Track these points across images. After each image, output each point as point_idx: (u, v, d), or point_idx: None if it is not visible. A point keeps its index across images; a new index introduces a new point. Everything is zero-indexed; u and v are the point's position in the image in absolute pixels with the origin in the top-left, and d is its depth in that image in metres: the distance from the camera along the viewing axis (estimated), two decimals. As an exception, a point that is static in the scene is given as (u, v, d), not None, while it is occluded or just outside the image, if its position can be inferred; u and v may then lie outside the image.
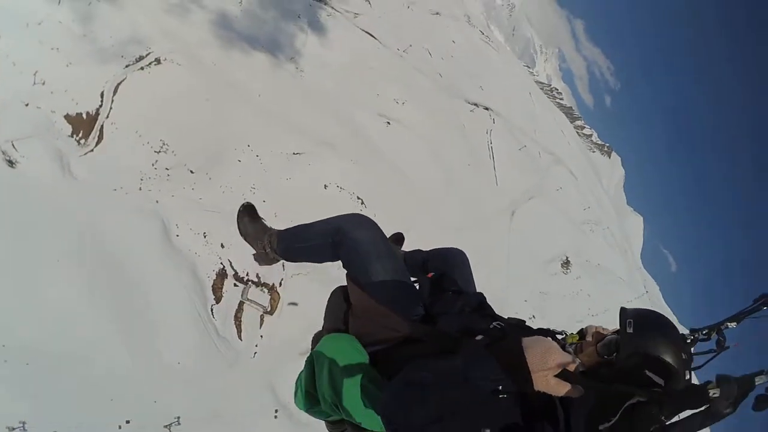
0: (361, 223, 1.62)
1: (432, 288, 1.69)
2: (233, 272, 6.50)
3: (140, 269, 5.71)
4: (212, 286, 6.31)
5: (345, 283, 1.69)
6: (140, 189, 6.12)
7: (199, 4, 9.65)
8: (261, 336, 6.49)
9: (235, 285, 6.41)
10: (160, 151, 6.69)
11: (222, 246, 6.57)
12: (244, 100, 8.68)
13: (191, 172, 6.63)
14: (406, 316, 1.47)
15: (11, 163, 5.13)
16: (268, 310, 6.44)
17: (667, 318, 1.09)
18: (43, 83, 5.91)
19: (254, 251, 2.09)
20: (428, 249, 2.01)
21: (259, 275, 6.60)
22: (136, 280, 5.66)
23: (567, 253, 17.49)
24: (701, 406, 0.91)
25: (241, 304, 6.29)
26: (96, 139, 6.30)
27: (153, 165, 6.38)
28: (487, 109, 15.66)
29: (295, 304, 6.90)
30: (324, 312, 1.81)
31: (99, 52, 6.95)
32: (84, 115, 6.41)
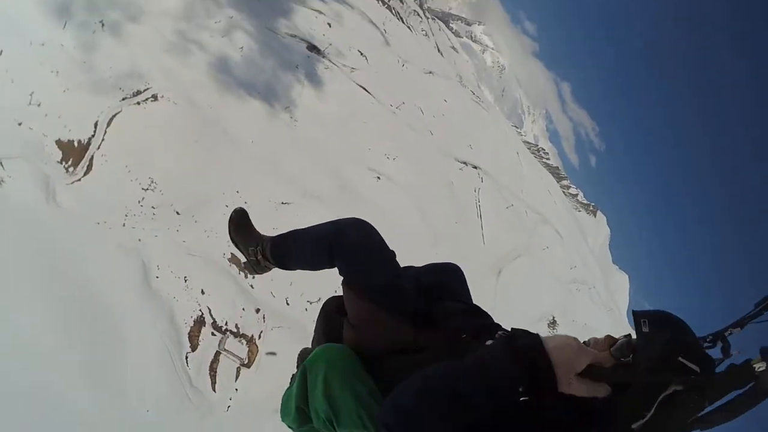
0: (360, 227, 1.56)
1: (430, 298, 1.61)
2: (212, 320, 6.34)
3: (115, 308, 5.57)
4: (189, 333, 6.14)
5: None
6: (124, 225, 6.10)
7: (201, 47, 10.06)
8: (236, 389, 6.25)
9: (212, 334, 6.24)
10: (147, 189, 6.69)
11: (202, 292, 6.45)
12: (236, 145, 8.83)
13: (177, 213, 6.62)
14: (408, 323, 1.40)
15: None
16: (245, 362, 6.27)
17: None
18: (39, 105, 5.99)
19: (244, 259, 1.99)
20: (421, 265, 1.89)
21: (238, 326, 6.45)
22: (109, 319, 5.50)
23: (553, 313, 17.38)
24: (746, 385, 0.86)
25: (217, 354, 6.12)
26: (85, 168, 6.32)
27: (139, 202, 6.35)
28: (475, 167, 16.15)
29: (273, 353, 6.73)
30: (315, 327, 1.75)
31: (97, 81, 7.13)
32: (75, 143, 6.47)
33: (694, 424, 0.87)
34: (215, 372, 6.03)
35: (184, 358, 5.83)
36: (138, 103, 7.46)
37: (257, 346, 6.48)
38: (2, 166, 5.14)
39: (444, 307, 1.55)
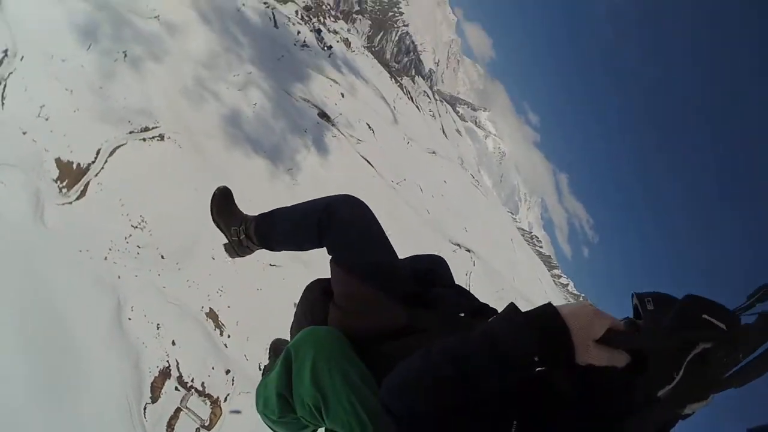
0: (353, 203, 1.51)
1: (422, 282, 1.55)
2: (178, 374, 6.06)
3: (81, 340, 5.37)
4: (152, 383, 5.85)
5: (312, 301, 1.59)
6: (106, 258, 5.93)
7: (216, 96, 10.52)
8: (191, 451, 5.86)
9: (176, 389, 5.93)
10: (136, 227, 6.69)
11: (173, 343, 6.22)
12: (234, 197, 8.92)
13: (162, 257, 6.58)
14: (402, 303, 1.34)
15: None
16: (206, 424, 5.94)
17: None
18: (46, 119, 6.21)
19: (225, 241, 1.92)
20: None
21: (205, 384, 6.15)
22: (73, 351, 5.29)
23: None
24: None
25: (178, 410, 5.80)
26: (78, 193, 6.26)
27: (126, 238, 6.35)
28: (469, 251, 16.38)
29: (238, 411, 6.41)
30: (295, 312, 1.67)
31: (108, 109, 7.43)
32: (74, 166, 6.50)
33: (729, 380, 0.84)
34: (172, 429, 5.68)
35: (143, 408, 5.54)
36: (144, 140, 7.73)
37: (221, 409, 6.17)
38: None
39: (437, 290, 1.50)
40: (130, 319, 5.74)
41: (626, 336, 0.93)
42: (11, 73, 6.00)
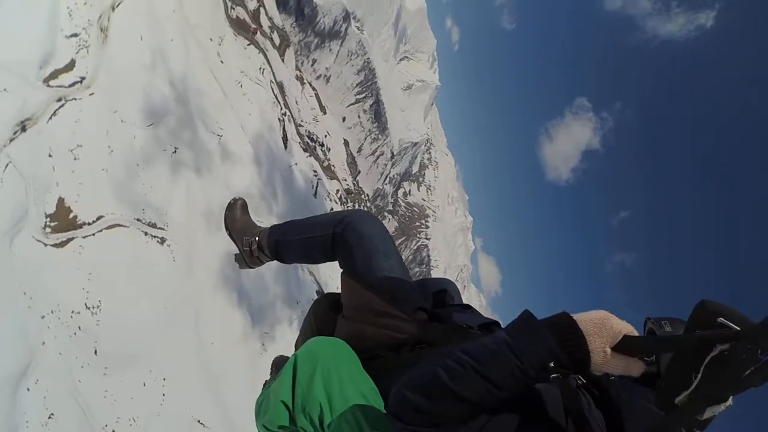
0: (367, 218, 1.56)
1: (434, 300, 1.59)
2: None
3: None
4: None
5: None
6: (43, 317, 5.23)
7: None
8: None
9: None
10: (89, 308, 5.99)
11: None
12: (196, 336, 8.33)
13: (95, 352, 5.79)
14: (413, 316, 1.36)
15: None
16: None
17: None
18: (75, 158, 6.05)
19: (237, 251, 1.94)
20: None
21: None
22: None
23: None
24: None
25: None
26: (58, 241, 5.83)
27: (73, 312, 5.64)
28: None
29: None
30: (302, 326, 1.74)
31: (131, 188, 7.27)
32: (71, 215, 6.16)
33: (749, 379, 0.80)
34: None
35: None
36: (145, 233, 7.38)
37: None
38: (11, 165, 4.63)
39: (448, 307, 1.53)
40: (28, 389, 4.69)
41: (643, 341, 0.95)
42: (75, 99, 6.04)
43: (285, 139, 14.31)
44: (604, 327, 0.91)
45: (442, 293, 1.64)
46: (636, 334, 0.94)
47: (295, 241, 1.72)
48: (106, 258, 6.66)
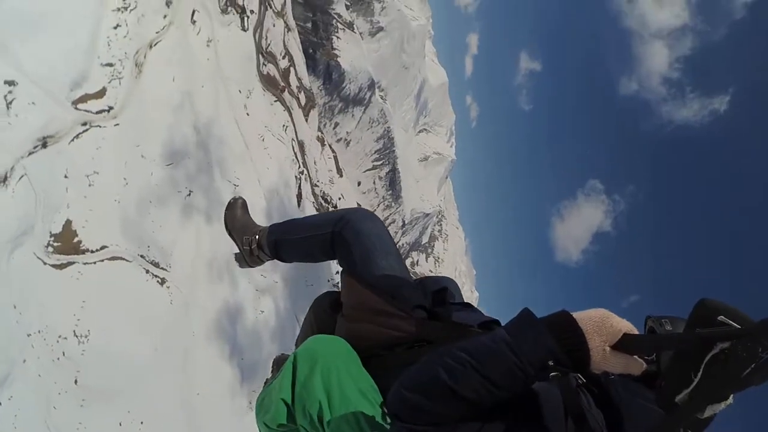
0: (366, 216, 1.58)
1: (433, 298, 1.57)
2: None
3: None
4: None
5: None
6: (29, 335, 5.09)
7: (234, 283, 10.29)
8: None
9: None
10: (77, 336, 5.93)
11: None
12: (182, 384, 8.22)
13: (75, 381, 5.59)
14: (413, 315, 1.37)
15: (2, 180, 4.80)
16: None
17: None
18: (90, 185, 6.28)
19: (236, 250, 1.96)
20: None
21: None
22: None
23: None
24: None
25: None
26: (58, 263, 5.75)
27: (59, 337, 5.55)
28: None
29: None
30: (302, 324, 1.86)
31: (140, 225, 7.35)
32: (75, 239, 6.08)
33: (749, 378, 0.81)
34: None
35: None
36: (147, 271, 7.30)
37: None
38: (16, 175, 4.65)
39: (448, 305, 1.53)
40: (0, 404, 4.52)
41: (643, 340, 0.96)
42: (100, 126, 6.14)
43: (299, 197, 14.42)
44: (603, 325, 0.91)
45: (442, 291, 1.62)
46: (636, 332, 0.94)
47: (294, 240, 1.72)
48: (103, 289, 6.52)
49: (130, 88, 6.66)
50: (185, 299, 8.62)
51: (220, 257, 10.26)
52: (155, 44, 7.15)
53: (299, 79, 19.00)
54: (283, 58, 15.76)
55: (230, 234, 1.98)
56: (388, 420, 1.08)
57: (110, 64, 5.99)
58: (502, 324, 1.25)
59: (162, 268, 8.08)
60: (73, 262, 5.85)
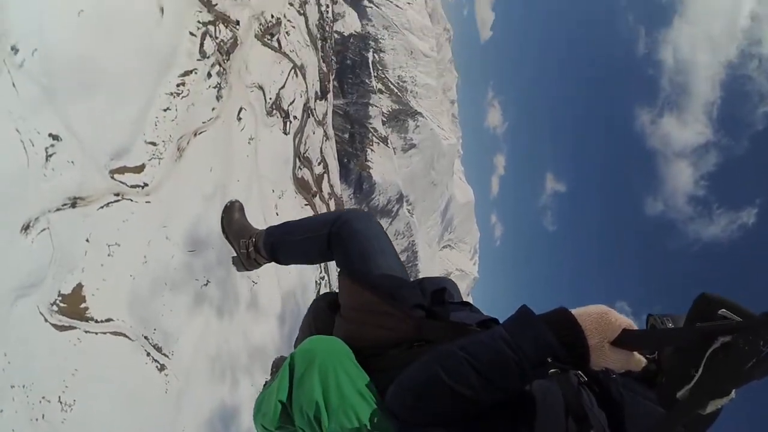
0: (363, 216, 1.60)
1: (433, 298, 1.56)
2: None
3: None
4: None
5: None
6: (12, 387, 4.87)
7: (234, 384, 10.07)
8: None
9: None
10: (62, 403, 5.43)
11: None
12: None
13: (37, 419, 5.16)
14: (412, 314, 1.37)
15: (25, 228, 4.86)
16: None
17: None
18: (109, 254, 6.43)
19: (234, 253, 1.98)
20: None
21: None
22: None
23: None
24: None
25: None
26: (59, 324, 5.55)
27: (43, 398, 5.21)
28: None
29: None
30: (300, 325, 1.93)
31: (150, 305, 7.52)
32: (82, 304, 5.91)
33: (751, 372, 0.80)
34: None
35: None
36: (148, 354, 7.37)
37: None
38: (47, 231, 5.00)
39: (447, 305, 1.53)
40: None
41: (643, 335, 0.95)
42: (131, 200, 6.37)
43: (317, 301, 14.34)
44: (602, 321, 0.90)
45: (441, 291, 1.61)
46: (635, 329, 0.94)
47: (292, 242, 1.72)
48: (100, 362, 6.31)
49: (168, 170, 7.03)
50: (181, 391, 8.24)
51: (224, 354, 9.97)
52: (200, 133, 7.67)
53: (331, 186, 19.84)
54: (319, 164, 16.62)
55: (227, 237, 1.99)
56: (388, 420, 1.07)
57: (153, 143, 6.42)
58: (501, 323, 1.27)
59: (164, 354, 7.86)
60: (75, 327, 5.67)
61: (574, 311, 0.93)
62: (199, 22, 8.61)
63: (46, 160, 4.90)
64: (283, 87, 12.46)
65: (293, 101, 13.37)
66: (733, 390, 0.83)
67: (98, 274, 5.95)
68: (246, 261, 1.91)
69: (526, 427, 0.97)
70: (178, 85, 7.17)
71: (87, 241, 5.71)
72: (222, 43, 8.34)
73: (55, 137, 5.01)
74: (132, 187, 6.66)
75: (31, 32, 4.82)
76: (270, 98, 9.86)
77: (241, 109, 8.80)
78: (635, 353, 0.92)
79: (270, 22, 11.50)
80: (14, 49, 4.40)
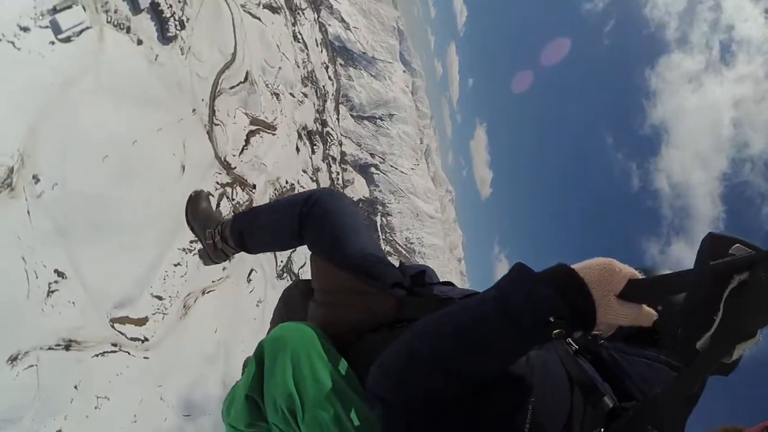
0: (334, 194, 1.51)
1: (412, 279, 1.44)
2: None
3: None
4: None
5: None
6: None
7: None
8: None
9: None
10: None
11: None
12: None
13: None
14: (391, 292, 1.28)
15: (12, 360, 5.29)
16: None
17: None
18: (96, 407, 5.94)
19: (200, 246, 1.89)
20: None
21: None
22: None
23: None
24: None
25: None
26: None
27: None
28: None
29: None
30: (272, 317, 1.75)
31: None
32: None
33: None
34: None
35: None
36: None
37: None
38: (34, 368, 4.84)
39: (429, 286, 1.41)
40: None
41: (652, 283, 0.84)
42: (128, 353, 6.32)
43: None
44: (606, 272, 0.81)
45: (422, 273, 1.48)
46: (642, 278, 0.85)
47: (260, 226, 1.62)
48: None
49: (171, 327, 7.08)
50: None
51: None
52: (208, 291, 7.90)
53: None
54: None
55: (192, 229, 1.86)
56: (370, 408, 0.97)
57: (160, 297, 6.56)
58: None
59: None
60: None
61: (574, 265, 0.84)
62: (217, 183, 9.58)
63: (48, 295, 5.04)
64: (294, 250, 12.94)
65: (304, 264, 13.61)
66: (759, 330, 0.76)
67: (81, 425, 5.53)
68: (213, 253, 1.79)
69: (523, 398, 0.87)
70: (191, 242, 7.63)
71: (75, 387, 5.46)
72: (238, 205, 9.09)
73: (61, 274, 5.22)
74: (132, 339, 6.61)
75: (56, 166, 5.41)
76: (281, 261, 10.21)
77: (251, 271, 9.08)
78: (644, 306, 0.83)
79: (285, 187, 12.64)
80: (36, 178, 4.90)
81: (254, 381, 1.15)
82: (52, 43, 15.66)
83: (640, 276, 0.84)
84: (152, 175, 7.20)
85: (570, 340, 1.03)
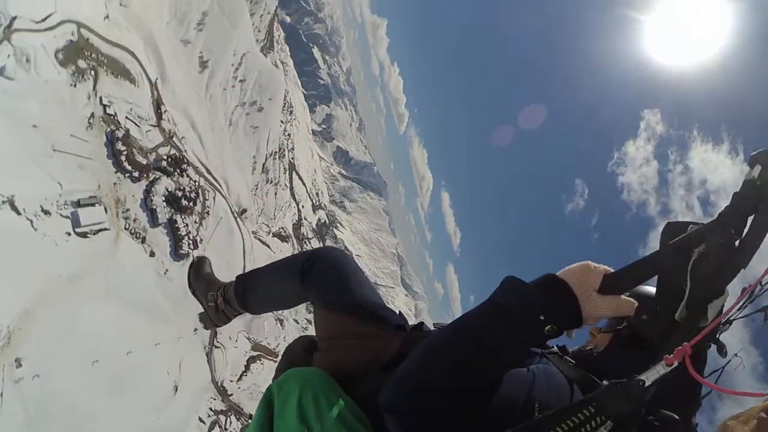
0: (336, 252, 1.63)
1: (414, 328, 1.58)
2: None
3: None
4: None
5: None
6: None
7: None
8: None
9: None
10: None
11: None
12: None
13: None
14: (396, 333, 1.41)
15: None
16: None
17: None
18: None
19: (202, 309, 1.95)
20: None
21: None
22: None
23: None
24: (758, 201, 0.88)
25: None
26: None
27: None
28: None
29: None
30: (276, 368, 1.74)
31: None
32: None
33: (737, 263, 0.89)
34: None
35: None
36: None
37: None
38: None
39: (426, 330, 1.54)
40: None
41: (623, 272, 0.97)
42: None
43: None
44: (584, 272, 0.95)
45: (421, 324, 1.60)
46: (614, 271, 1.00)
47: (263, 285, 1.72)
48: None
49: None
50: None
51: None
52: None
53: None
54: None
55: (194, 292, 1.92)
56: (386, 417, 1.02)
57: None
58: None
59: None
60: None
61: (557, 273, 0.96)
62: (211, 409, 7.86)
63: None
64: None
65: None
66: (726, 287, 0.88)
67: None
68: (215, 315, 1.84)
69: (529, 400, 0.98)
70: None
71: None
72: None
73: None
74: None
75: (42, 357, 4.32)
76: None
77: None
78: (622, 297, 0.95)
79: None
80: (18, 362, 3.76)
81: (264, 422, 1.24)
82: (68, 234, 15.58)
83: (612, 271, 0.99)
84: (141, 394, 6.13)
85: (567, 357, 1.24)
